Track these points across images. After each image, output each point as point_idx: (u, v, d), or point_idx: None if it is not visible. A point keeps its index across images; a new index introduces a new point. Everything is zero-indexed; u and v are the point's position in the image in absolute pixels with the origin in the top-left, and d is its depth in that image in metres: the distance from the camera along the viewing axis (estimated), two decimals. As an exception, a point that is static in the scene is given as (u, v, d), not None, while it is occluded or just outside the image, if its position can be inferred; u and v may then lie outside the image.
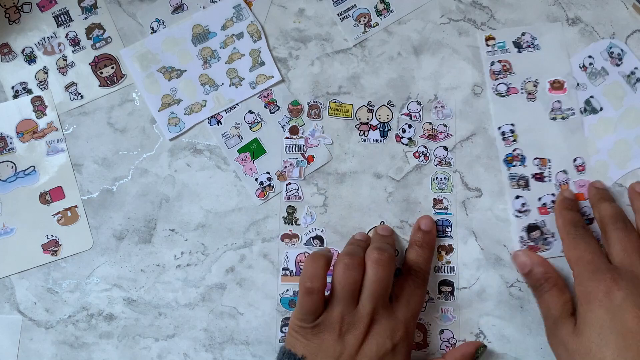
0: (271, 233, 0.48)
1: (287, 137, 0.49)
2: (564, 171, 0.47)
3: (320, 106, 0.50)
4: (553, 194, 0.47)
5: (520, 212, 0.47)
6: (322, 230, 0.48)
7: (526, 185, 0.48)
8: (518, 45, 0.49)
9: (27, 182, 0.49)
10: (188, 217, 0.49)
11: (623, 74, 0.49)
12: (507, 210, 0.47)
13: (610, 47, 0.49)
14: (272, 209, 0.49)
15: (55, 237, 0.49)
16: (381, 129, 0.49)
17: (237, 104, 0.50)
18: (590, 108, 0.49)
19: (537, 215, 0.47)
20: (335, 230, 0.48)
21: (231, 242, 0.48)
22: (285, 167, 0.49)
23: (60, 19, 0.52)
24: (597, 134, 0.48)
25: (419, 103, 0.49)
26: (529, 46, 0.49)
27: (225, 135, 0.50)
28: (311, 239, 0.48)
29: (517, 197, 0.47)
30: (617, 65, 0.49)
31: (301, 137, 0.49)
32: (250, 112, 0.50)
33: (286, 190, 0.49)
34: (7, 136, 0.50)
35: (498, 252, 0.47)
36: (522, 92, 0.49)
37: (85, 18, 0.52)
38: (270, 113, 0.50)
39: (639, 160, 0.47)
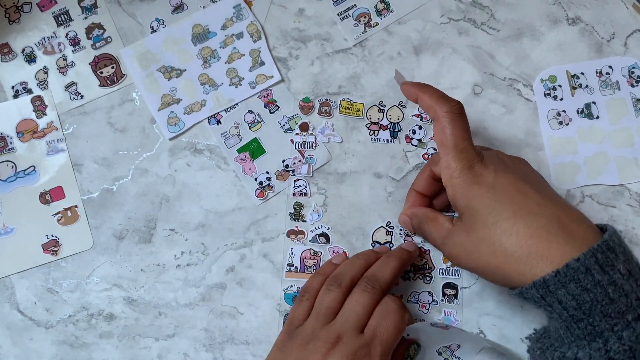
0: (271, 233, 0.48)
1: (297, 134, 0.49)
2: None
3: (331, 104, 0.50)
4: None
5: None
6: (328, 228, 0.48)
7: None
8: None
9: (27, 182, 0.49)
10: (188, 217, 0.49)
11: (634, 96, 0.49)
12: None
13: (633, 67, 0.49)
14: (272, 209, 0.49)
15: (55, 237, 0.49)
16: (391, 129, 0.49)
17: (236, 104, 0.50)
18: (587, 112, 0.49)
19: None
20: (335, 230, 0.48)
21: (231, 241, 0.48)
22: (294, 163, 0.49)
23: (60, 19, 0.52)
24: (583, 137, 0.49)
25: None
26: None
27: (225, 135, 0.50)
28: (317, 236, 0.48)
29: None
30: (632, 86, 0.49)
31: (311, 134, 0.49)
32: (250, 111, 0.50)
33: (294, 187, 0.49)
34: (7, 136, 0.50)
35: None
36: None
37: (85, 18, 0.52)
38: (270, 113, 0.50)
39: (609, 178, 0.48)
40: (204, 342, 0.47)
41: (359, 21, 0.51)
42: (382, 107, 0.50)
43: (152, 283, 0.48)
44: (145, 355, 0.47)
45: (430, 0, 0.51)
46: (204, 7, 0.51)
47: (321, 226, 0.48)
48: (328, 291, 0.42)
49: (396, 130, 0.49)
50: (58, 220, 0.49)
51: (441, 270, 0.47)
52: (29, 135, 0.50)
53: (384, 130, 0.49)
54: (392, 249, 0.47)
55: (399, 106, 0.50)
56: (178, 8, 0.52)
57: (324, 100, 0.50)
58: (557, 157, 0.48)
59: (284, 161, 0.49)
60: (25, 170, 0.50)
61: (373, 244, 0.48)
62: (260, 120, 0.50)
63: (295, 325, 0.42)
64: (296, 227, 0.48)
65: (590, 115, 0.49)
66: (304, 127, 0.50)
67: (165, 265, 0.48)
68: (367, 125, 0.49)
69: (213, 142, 0.50)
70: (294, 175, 0.49)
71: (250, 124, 0.50)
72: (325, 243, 0.48)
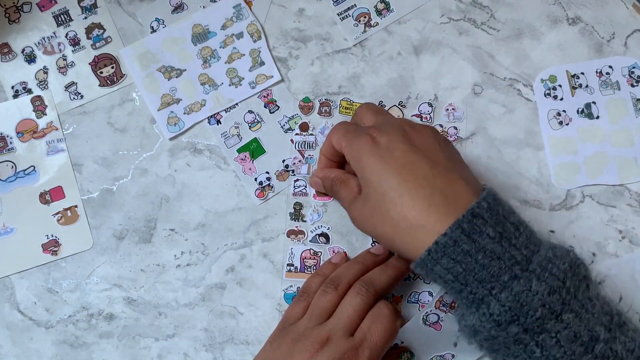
0: (271, 233, 0.48)
1: (297, 134, 0.49)
2: None
3: (331, 104, 0.50)
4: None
5: None
6: (328, 228, 0.48)
7: None
8: None
9: (27, 182, 0.49)
10: (188, 217, 0.49)
11: (634, 96, 0.49)
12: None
13: (633, 67, 0.49)
14: (272, 209, 0.49)
15: (55, 237, 0.49)
16: None
17: (236, 104, 0.50)
18: (587, 112, 0.49)
19: None
20: (335, 230, 0.48)
21: (231, 241, 0.48)
22: (294, 163, 0.49)
23: (60, 19, 0.52)
24: (583, 137, 0.49)
25: (430, 105, 0.49)
26: None
27: (225, 135, 0.50)
28: (317, 235, 0.48)
29: None
30: (633, 86, 0.49)
31: (311, 134, 0.49)
32: (250, 111, 0.50)
33: (294, 187, 0.49)
34: (7, 136, 0.50)
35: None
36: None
37: (85, 18, 0.52)
38: (270, 113, 0.50)
39: (609, 178, 0.48)
40: (204, 342, 0.47)
41: (359, 21, 0.51)
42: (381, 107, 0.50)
43: (152, 283, 0.48)
44: (145, 355, 0.47)
45: (430, 0, 0.51)
46: (203, 7, 0.51)
47: (321, 226, 0.48)
48: (324, 293, 0.42)
49: None
50: (58, 220, 0.49)
51: None
52: (29, 135, 0.50)
53: None
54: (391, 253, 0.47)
55: (399, 106, 0.50)
56: (178, 8, 0.52)
57: (323, 100, 0.50)
58: (557, 157, 0.48)
59: (284, 161, 0.49)
60: (25, 170, 0.50)
61: (373, 243, 0.48)
62: (260, 120, 0.50)
63: (289, 322, 0.42)
64: (296, 227, 0.48)
65: (590, 115, 0.49)
66: (304, 127, 0.50)
67: (165, 265, 0.48)
68: None
69: (213, 142, 0.50)
70: (294, 175, 0.49)
71: (250, 124, 0.50)
72: (325, 243, 0.48)
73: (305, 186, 0.49)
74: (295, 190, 0.49)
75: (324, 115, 0.50)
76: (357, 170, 0.40)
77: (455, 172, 0.38)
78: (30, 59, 0.51)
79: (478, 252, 0.34)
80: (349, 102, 0.50)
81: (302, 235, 0.48)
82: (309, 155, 0.49)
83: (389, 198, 0.37)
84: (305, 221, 0.48)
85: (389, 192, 0.37)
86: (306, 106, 0.50)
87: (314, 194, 0.48)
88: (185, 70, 0.51)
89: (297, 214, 0.48)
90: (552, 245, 0.36)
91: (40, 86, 0.51)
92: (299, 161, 0.49)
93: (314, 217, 0.48)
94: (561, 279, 0.34)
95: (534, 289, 0.33)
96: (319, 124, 0.50)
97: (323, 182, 0.45)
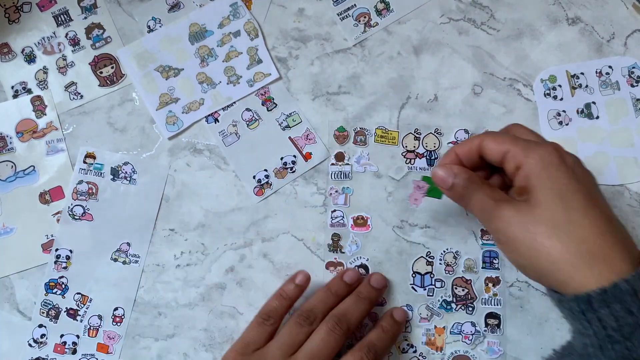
0: (271, 233, 0.48)
1: (332, 164, 0.49)
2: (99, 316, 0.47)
3: (366, 132, 0.49)
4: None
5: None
6: (367, 259, 0.47)
7: None
8: (115, 172, 0.48)
9: (27, 182, 0.49)
10: (188, 217, 0.49)
11: (634, 96, 0.49)
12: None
13: (633, 67, 0.49)
14: (272, 209, 0.49)
15: (55, 236, 0.49)
16: (427, 157, 0.49)
17: (234, 102, 0.50)
18: (587, 112, 0.49)
19: None
20: (374, 261, 0.48)
21: (231, 241, 0.48)
22: (331, 193, 0.48)
23: (60, 19, 0.52)
24: (583, 137, 0.48)
25: (466, 132, 0.49)
26: (125, 177, 0.48)
27: (223, 133, 0.50)
28: (356, 267, 0.47)
29: None
30: (632, 86, 0.49)
31: (347, 164, 0.48)
32: (248, 109, 0.50)
33: (331, 218, 0.48)
34: (7, 136, 0.50)
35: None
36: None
37: (85, 18, 0.52)
38: (268, 110, 0.50)
39: (609, 178, 0.48)
40: (204, 342, 0.47)
41: (359, 21, 0.51)
42: (417, 135, 0.49)
43: (152, 283, 0.48)
44: (145, 355, 0.47)
45: (430, 0, 0.51)
46: (200, 5, 0.51)
47: (360, 257, 0.48)
48: (299, 325, 0.42)
49: (432, 158, 0.49)
50: (58, 220, 0.49)
51: (483, 300, 0.46)
52: (29, 135, 0.50)
53: (420, 159, 0.49)
54: (366, 280, 0.46)
55: (435, 134, 0.49)
56: (174, 7, 0.51)
57: (358, 129, 0.49)
58: (557, 157, 0.48)
59: (282, 159, 0.49)
60: (25, 170, 0.50)
61: (414, 275, 0.47)
62: (258, 118, 0.50)
63: (252, 347, 0.42)
64: (335, 258, 0.48)
65: (590, 115, 0.49)
66: (340, 157, 0.49)
67: (165, 265, 0.48)
68: (403, 154, 0.49)
69: (212, 142, 0.50)
70: (331, 206, 0.48)
71: (248, 122, 0.50)
72: (364, 275, 0.47)
73: (343, 216, 0.48)
74: (333, 221, 0.48)
75: (359, 145, 0.49)
76: (533, 177, 0.35)
77: (622, 223, 0.36)
78: (30, 59, 0.51)
79: None
80: (384, 131, 0.49)
81: (341, 267, 0.47)
82: (346, 185, 0.48)
83: (572, 216, 0.34)
84: (343, 252, 0.48)
85: (574, 211, 0.34)
86: (341, 135, 0.49)
87: (352, 225, 0.48)
88: (183, 69, 0.51)
89: (335, 245, 0.48)
90: None
91: (40, 86, 0.51)
92: (336, 191, 0.48)
93: (353, 249, 0.48)
94: None
95: None
96: (354, 153, 0.49)
97: (456, 176, 0.38)
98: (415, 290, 0.47)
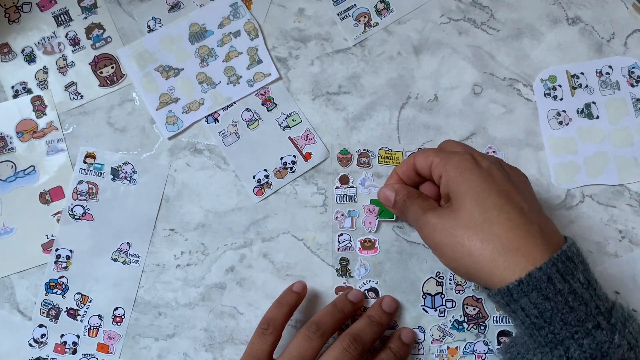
0: (271, 233, 0.48)
1: (337, 187, 0.48)
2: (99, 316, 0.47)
3: (369, 154, 0.49)
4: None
5: None
6: (377, 282, 0.47)
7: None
8: (115, 172, 0.48)
9: (27, 182, 0.49)
10: (188, 217, 0.49)
11: (634, 95, 0.49)
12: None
13: (633, 67, 0.49)
14: (272, 209, 0.49)
15: (55, 236, 0.49)
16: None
17: (234, 102, 0.50)
18: (587, 112, 0.49)
19: None
20: (384, 284, 0.48)
21: (231, 241, 0.48)
22: (337, 217, 0.48)
23: (60, 19, 0.52)
24: (583, 137, 0.48)
25: (491, 148, 0.49)
26: (125, 177, 0.48)
27: (223, 133, 0.50)
28: (366, 291, 0.47)
29: None
30: (632, 85, 0.49)
31: (352, 187, 0.48)
32: (248, 109, 0.50)
33: (338, 242, 0.48)
34: (7, 136, 0.50)
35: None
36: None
37: (85, 18, 0.52)
38: (268, 110, 0.50)
39: (609, 178, 0.48)
40: (204, 342, 0.47)
41: (359, 21, 0.51)
42: None
43: (152, 283, 0.48)
44: (145, 355, 0.47)
45: (430, 0, 0.51)
46: (200, 5, 0.51)
47: (369, 281, 0.47)
48: (308, 339, 0.41)
49: None
50: (58, 220, 0.49)
51: (495, 318, 0.46)
52: (29, 135, 0.50)
53: None
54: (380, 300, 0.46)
55: None
56: (174, 7, 0.52)
57: (361, 151, 0.49)
58: (557, 157, 0.48)
59: (282, 158, 0.49)
60: (25, 170, 0.50)
61: (424, 296, 0.47)
62: (257, 118, 0.50)
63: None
64: (344, 283, 0.47)
65: (590, 115, 0.49)
66: (344, 180, 0.48)
67: (165, 265, 0.48)
68: None
69: (213, 142, 0.50)
70: (338, 230, 0.48)
71: (247, 122, 0.50)
72: (374, 298, 0.47)
73: (350, 240, 0.48)
74: (340, 245, 0.48)
75: (362, 166, 0.49)
76: (451, 184, 0.39)
77: (544, 214, 0.38)
78: (30, 59, 0.51)
79: (569, 294, 0.34)
80: (387, 152, 0.49)
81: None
82: (352, 209, 0.48)
83: (487, 215, 0.36)
84: (352, 276, 0.47)
85: (488, 210, 0.36)
86: (344, 158, 0.49)
87: (360, 248, 0.47)
88: (183, 69, 0.51)
89: (343, 269, 0.47)
90: (620, 303, 0.36)
91: (40, 86, 0.51)
92: (342, 215, 0.48)
93: (362, 272, 0.47)
94: (636, 338, 0.34)
95: (616, 342, 0.33)
96: (358, 176, 0.49)
97: (397, 193, 0.42)
98: (427, 312, 0.46)
